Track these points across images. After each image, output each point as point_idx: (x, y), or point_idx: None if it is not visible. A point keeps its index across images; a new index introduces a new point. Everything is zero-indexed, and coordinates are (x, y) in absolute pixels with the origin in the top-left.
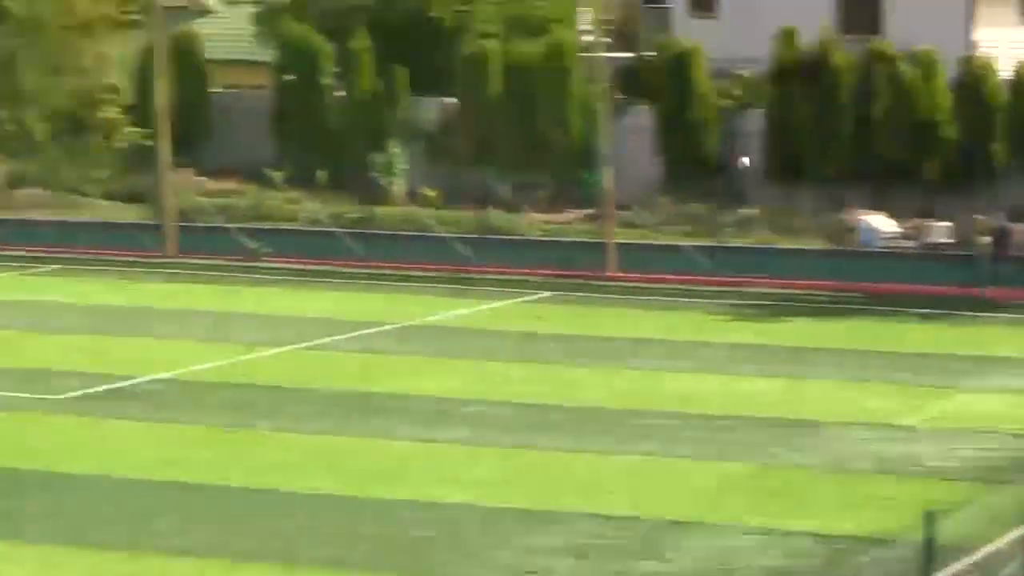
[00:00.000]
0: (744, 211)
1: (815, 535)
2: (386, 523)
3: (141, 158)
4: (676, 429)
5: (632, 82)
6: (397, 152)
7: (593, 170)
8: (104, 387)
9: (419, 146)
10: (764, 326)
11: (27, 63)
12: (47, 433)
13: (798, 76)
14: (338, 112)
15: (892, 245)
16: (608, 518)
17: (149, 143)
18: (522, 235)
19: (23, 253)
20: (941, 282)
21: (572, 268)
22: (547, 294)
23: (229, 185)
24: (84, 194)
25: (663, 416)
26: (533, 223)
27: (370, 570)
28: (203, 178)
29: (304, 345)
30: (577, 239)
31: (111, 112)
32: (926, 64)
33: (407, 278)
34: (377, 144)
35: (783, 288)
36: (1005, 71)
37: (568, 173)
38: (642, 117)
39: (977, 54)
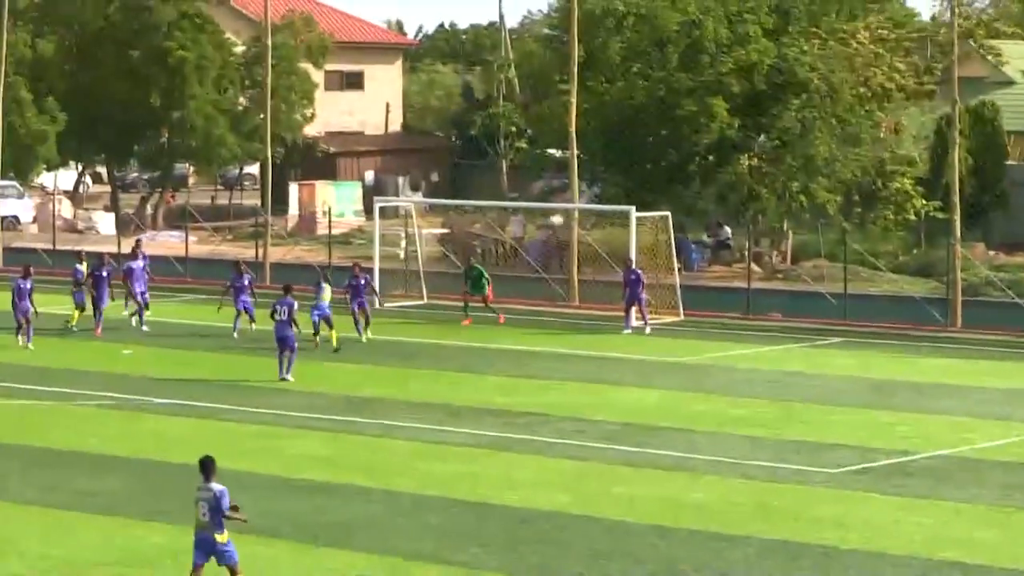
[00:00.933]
0: None
1: None
2: None
3: (931, 230)
4: None
5: None
6: None
7: None
8: (883, 462)
9: None
10: None
11: (820, 133)
12: (819, 506)
13: None
14: None
15: None
16: None
17: (940, 215)
18: None
19: (806, 325)
20: None
21: None
22: None
23: (1019, 259)
24: (872, 267)
25: None
26: None
27: None
28: (993, 251)
29: None
30: None
31: (903, 183)
32: None
33: None
34: None
35: None
36: None
37: None
38: None
39: None
